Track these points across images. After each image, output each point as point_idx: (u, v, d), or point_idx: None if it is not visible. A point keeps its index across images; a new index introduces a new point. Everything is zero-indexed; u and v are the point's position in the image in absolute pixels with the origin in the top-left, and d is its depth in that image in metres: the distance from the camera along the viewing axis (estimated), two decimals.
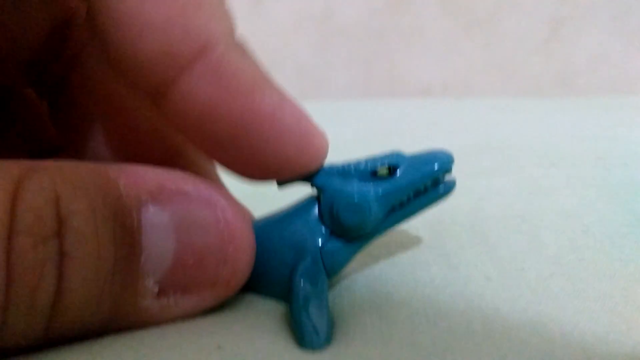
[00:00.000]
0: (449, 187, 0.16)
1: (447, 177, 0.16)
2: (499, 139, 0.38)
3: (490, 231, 0.20)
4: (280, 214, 0.16)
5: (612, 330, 0.13)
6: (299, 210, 0.16)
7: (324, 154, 0.15)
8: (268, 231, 0.16)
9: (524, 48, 0.67)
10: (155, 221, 0.13)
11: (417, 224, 0.21)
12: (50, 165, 0.12)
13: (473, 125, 0.46)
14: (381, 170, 0.15)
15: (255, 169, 0.14)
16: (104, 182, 0.12)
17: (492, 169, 0.29)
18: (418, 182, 0.15)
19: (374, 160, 0.16)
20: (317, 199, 0.16)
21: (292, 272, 0.15)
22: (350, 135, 0.35)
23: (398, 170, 0.15)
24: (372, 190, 0.15)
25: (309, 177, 0.16)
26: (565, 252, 0.18)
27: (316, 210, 0.16)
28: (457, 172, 0.29)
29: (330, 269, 0.15)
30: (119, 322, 0.13)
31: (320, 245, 0.15)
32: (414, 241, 0.19)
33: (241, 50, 0.13)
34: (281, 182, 0.16)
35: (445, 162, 0.16)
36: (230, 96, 0.13)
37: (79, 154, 0.17)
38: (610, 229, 0.19)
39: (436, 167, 0.16)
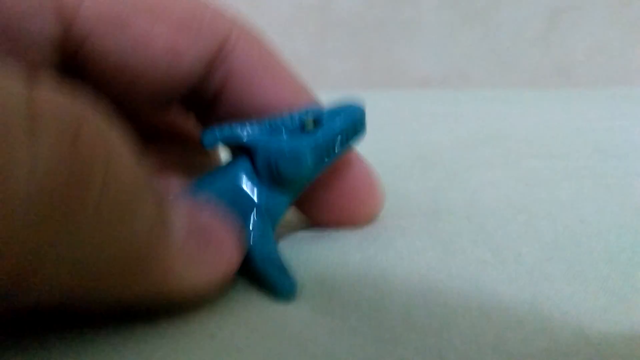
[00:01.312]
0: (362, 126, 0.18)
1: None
2: (496, 130, 0.38)
3: (487, 221, 0.20)
4: (214, 173, 0.17)
5: (610, 310, 0.14)
6: (233, 169, 0.17)
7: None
8: (205, 188, 0.17)
9: (522, 39, 0.67)
10: None
11: (413, 211, 0.21)
12: None
13: (471, 116, 0.46)
14: (308, 124, 0.17)
15: None
16: None
17: (489, 161, 0.29)
18: (343, 131, 0.17)
19: (298, 114, 0.17)
20: (248, 156, 0.17)
21: (242, 234, 0.15)
22: None
23: (322, 122, 0.17)
24: (306, 142, 0.16)
25: (239, 137, 0.17)
26: (562, 239, 0.18)
27: (250, 167, 0.17)
28: (455, 164, 0.29)
29: (273, 221, 0.17)
30: (145, 273, 0.12)
31: (262, 201, 0.16)
32: (409, 228, 0.19)
33: None
34: (208, 142, 0.17)
35: (360, 110, 0.18)
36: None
37: None
38: (607, 219, 0.19)
39: (357, 114, 0.17)
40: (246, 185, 0.17)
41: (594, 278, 0.15)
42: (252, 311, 0.14)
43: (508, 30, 0.67)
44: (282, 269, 0.15)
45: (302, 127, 0.17)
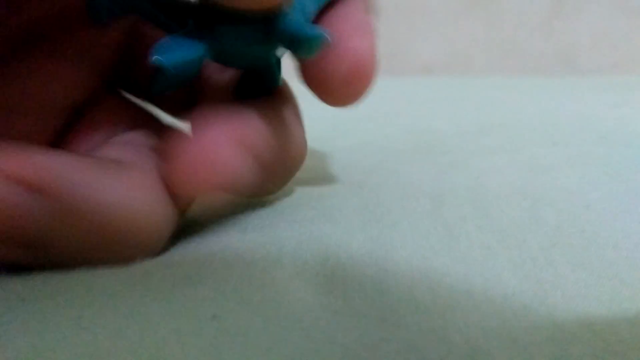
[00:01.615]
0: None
1: None
2: (500, 117, 0.38)
3: (491, 206, 0.19)
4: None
5: (616, 296, 0.13)
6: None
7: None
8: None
9: (525, 26, 0.66)
10: None
11: (417, 194, 0.21)
12: None
13: (474, 103, 0.46)
14: None
15: None
16: None
17: (493, 148, 0.29)
18: None
19: None
20: None
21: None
22: (351, 114, 0.35)
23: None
24: None
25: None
26: (566, 225, 0.18)
27: None
28: (458, 151, 0.29)
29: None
30: None
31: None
32: (413, 209, 0.19)
33: None
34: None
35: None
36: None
37: None
38: (612, 205, 0.19)
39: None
40: None
41: (599, 264, 0.15)
42: (254, 291, 0.14)
43: (511, 17, 0.66)
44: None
45: None
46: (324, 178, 0.24)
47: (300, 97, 0.19)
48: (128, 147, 0.17)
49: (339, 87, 0.17)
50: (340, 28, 0.17)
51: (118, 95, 0.19)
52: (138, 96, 0.20)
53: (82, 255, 0.14)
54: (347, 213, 0.19)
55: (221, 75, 0.19)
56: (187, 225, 0.18)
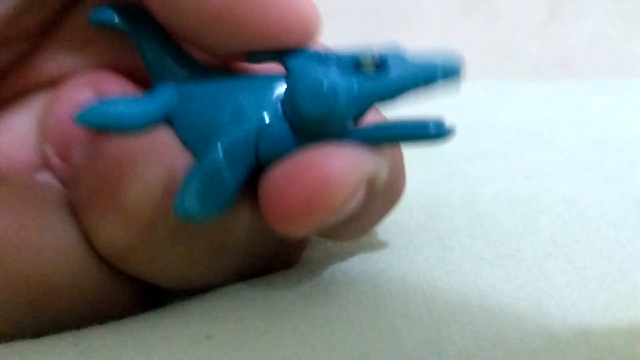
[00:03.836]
0: (442, 130, 0.13)
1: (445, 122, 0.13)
2: (496, 121, 0.38)
3: (486, 215, 0.20)
4: (240, 75, 0.14)
5: (610, 307, 0.13)
6: (263, 80, 0.13)
7: (312, 31, 0.13)
8: (219, 84, 0.13)
9: (522, 30, 0.67)
10: None
11: (411, 206, 0.21)
12: None
13: (470, 107, 0.45)
14: (365, 62, 0.13)
15: (228, 36, 0.12)
16: None
17: (489, 153, 0.29)
18: (409, 85, 0.12)
19: (363, 51, 0.13)
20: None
21: (215, 133, 0.12)
22: None
23: (389, 66, 0.12)
24: (346, 82, 0.12)
25: (282, 54, 0.13)
26: (561, 234, 0.18)
27: (281, 88, 0.13)
28: (453, 157, 0.29)
29: (262, 155, 0.13)
30: None
31: (266, 121, 0.13)
32: (407, 223, 0.19)
33: None
34: (252, 56, 0.13)
35: (452, 65, 0.13)
36: None
37: None
38: (607, 212, 0.19)
39: (439, 68, 0.13)
40: (263, 100, 0.13)
41: (593, 275, 0.15)
42: (247, 308, 0.14)
43: (508, 21, 0.67)
44: (206, 193, 0.12)
45: (358, 65, 0.13)
46: None
47: None
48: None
49: (289, 211, 0.12)
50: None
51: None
52: None
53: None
54: None
55: None
56: None
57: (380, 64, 0.13)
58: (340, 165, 0.11)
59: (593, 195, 0.21)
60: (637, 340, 0.12)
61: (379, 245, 0.17)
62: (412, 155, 0.29)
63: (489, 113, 0.42)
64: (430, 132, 0.13)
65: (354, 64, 0.13)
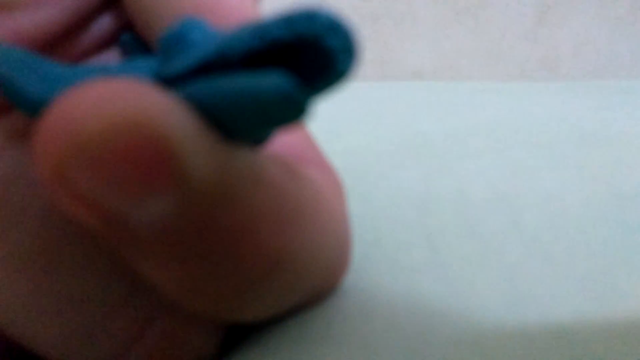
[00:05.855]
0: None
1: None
2: (485, 121, 0.37)
3: (473, 213, 0.20)
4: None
5: (589, 310, 0.13)
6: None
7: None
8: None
9: (511, 34, 0.68)
10: None
11: (403, 204, 0.21)
12: None
13: (461, 107, 0.45)
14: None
15: None
16: None
17: (478, 151, 0.29)
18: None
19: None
20: None
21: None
22: (341, 118, 0.35)
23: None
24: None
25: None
26: (543, 233, 0.18)
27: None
28: (446, 153, 0.29)
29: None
30: None
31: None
32: (397, 224, 0.19)
33: None
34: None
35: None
36: None
37: None
38: (591, 211, 0.19)
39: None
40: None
41: (573, 277, 0.15)
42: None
43: (498, 25, 0.68)
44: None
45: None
46: None
47: None
48: None
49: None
50: None
51: None
52: None
53: None
54: None
55: None
56: None
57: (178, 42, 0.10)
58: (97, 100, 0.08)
59: (577, 192, 0.21)
60: (618, 342, 0.12)
61: (370, 246, 0.17)
62: (405, 151, 0.30)
63: (480, 113, 0.42)
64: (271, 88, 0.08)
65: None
